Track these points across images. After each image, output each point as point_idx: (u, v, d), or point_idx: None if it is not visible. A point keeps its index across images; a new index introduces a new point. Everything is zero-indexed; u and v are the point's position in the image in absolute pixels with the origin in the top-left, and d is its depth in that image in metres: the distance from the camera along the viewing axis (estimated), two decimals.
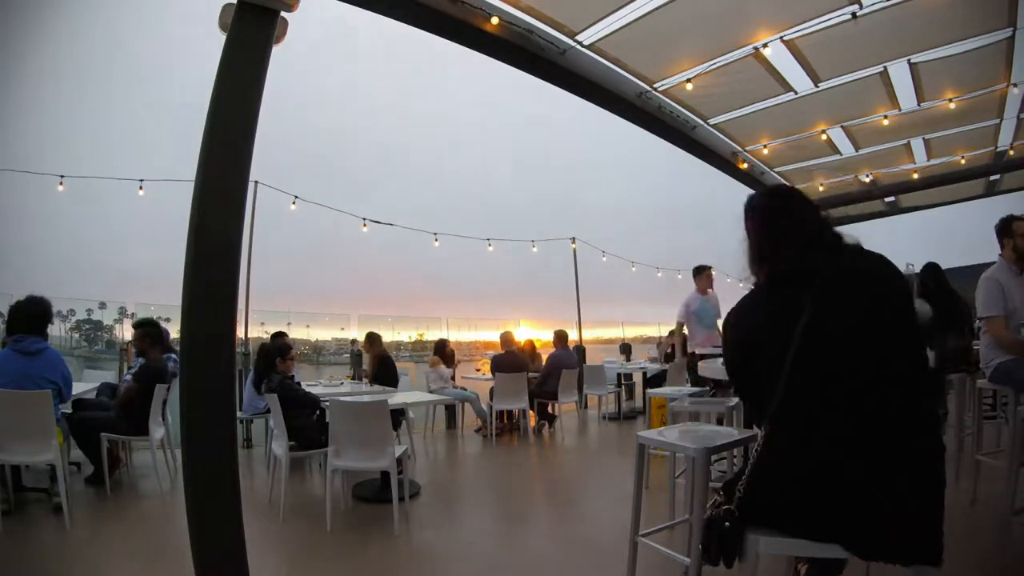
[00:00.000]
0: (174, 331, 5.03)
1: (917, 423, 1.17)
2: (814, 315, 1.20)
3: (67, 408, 3.61)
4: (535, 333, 11.30)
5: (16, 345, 3.13)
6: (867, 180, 6.89)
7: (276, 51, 1.99)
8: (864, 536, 1.13)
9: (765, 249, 1.41)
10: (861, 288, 1.23)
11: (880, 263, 1.28)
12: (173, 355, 4.22)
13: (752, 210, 1.48)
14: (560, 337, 6.75)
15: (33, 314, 3.25)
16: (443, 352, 6.61)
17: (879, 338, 1.19)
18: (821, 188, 6.84)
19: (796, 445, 1.20)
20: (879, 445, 1.14)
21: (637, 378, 7.91)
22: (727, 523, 1.19)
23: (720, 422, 2.87)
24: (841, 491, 1.14)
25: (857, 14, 3.19)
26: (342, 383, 5.00)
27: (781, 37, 3.52)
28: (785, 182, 6.27)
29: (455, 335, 16.50)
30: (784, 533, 1.20)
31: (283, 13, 1.97)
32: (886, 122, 4.71)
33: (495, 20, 3.17)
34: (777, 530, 1.21)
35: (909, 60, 3.82)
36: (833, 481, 1.15)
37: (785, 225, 1.39)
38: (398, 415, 4.08)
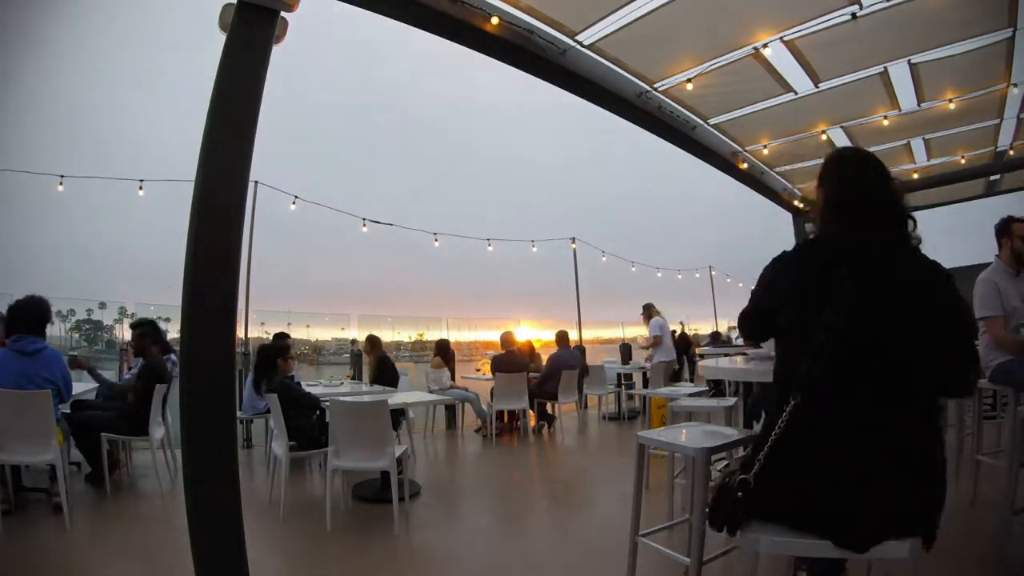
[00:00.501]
0: (174, 331, 5.04)
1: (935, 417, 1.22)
2: (864, 296, 1.21)
3: (67, 408, 3.61)
4: (535, 333, 11.32)
5: (14, 345, 3.13)
6: None
7: (277, 49, 2.00)
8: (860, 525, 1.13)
9: (827, 212, 1.42)
10: (907, 275, 1.26)
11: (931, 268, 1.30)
12: (173, 355, 4.23)
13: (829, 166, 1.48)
14: (561, 337, 6.77)
15: (32, 314, 3.25)
16: (445, 352, 6.61)
17: (923, 328, 1.21)
18: None
19: (820, 427, 1.20)
20: (898, 437, 1.16)
21: (637, 378, 7.92)
22: (740, 493, 1.19)
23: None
24: (854, 478, 1.14)
25: (857, 14, 3.19)
26: (342, 383, 5.00)
27: (781, 37, 3.51)
28: (787, 184, 6.27)
29: (455, 335, 16.54)
30: (788, 524, 1.19)
31: (283, 13, 1.98)
32: (886, 122, 4.70)
33: (495, 20, 3.17)
34: (783, 517, 1.20)
35: (909, 60, 3.82)
36: (849, 467, 1.15)
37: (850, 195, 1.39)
38: (398, 415, 4.09)
